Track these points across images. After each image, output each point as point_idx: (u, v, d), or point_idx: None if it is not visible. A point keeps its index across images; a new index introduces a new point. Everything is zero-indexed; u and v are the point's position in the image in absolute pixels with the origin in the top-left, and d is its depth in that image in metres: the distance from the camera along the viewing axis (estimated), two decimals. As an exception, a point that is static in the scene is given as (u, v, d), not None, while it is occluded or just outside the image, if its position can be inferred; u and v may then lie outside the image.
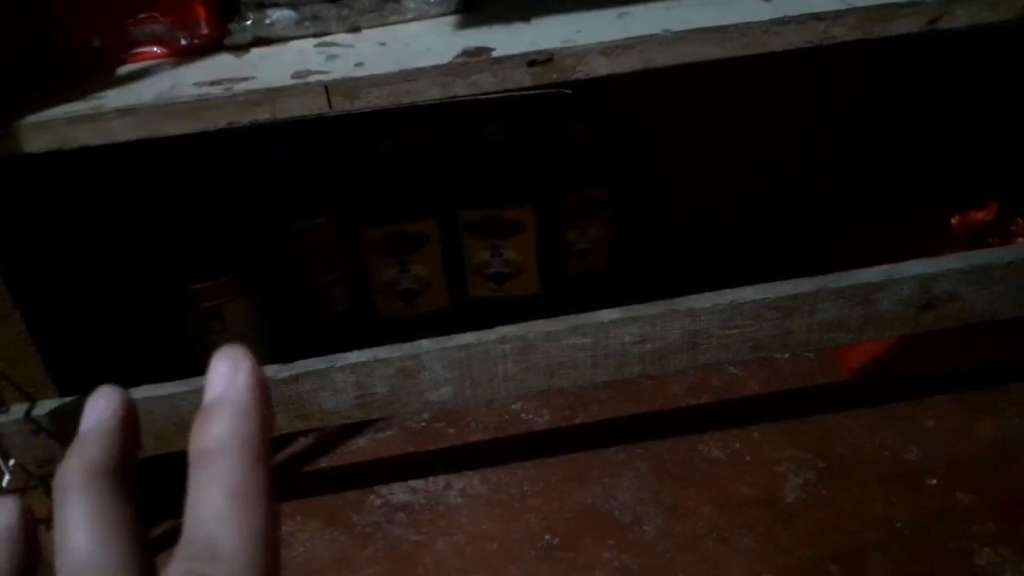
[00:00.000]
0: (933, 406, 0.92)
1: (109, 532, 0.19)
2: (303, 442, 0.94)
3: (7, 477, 0.74)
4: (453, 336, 0.76)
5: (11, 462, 0.74)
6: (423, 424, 0.96)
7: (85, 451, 0.20)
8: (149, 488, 0.20)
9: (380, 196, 0.96)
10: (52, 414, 0.74)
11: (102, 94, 0.65)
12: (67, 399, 0.75)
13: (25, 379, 0.74)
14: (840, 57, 0.78)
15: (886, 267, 0.78)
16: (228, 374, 0.21)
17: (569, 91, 0.65)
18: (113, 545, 0.19)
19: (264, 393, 0.20)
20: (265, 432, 0.20)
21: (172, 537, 0.18)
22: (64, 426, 0.74)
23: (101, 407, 0.21)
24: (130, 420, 0.21)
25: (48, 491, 0.79)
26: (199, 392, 0.21)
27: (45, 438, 0.75)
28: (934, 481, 0.84)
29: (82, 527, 0.19)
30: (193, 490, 0.19)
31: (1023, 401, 0.92)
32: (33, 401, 0.74)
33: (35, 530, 0.21)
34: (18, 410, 0.74)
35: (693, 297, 0.77)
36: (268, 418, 0.20)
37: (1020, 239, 0.90)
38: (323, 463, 0.92)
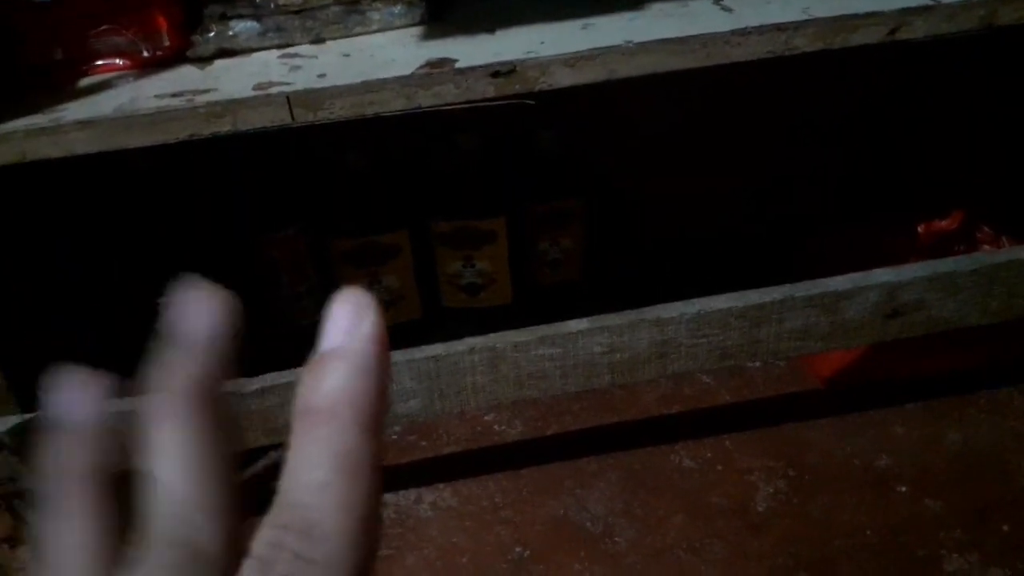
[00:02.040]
0: (902, 414, 0.93)
1: (210, 474, 0.17)
2: (273, 456, 0.93)
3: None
4: (421, 347, 0.76)
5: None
6: (394, 437, 0.95)
7: (202, 364, 0.18)
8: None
9: (350, 207, 0.96)
10: (13, 431, 0.73)
11: (62, 107, 0.65)
12: (28, 415, 0.74)
13: (-15, 395, 0.73)
14: (808, 69, 0.79)
15: (853, 275, 0.79)
16: (351, 321, 0.18)
17: (532, 102, 0.65)
18: (212, 492, 0.17)
19: (387, 351, 0.18)
20: (384, 397, 0.18)
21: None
22: (24, 443, 0.73)
23: (215, 309, 0.18)
24: (236, 327, 0.18)
25: (10, 510, 0.77)
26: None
27: (7, 455, 0.74)
28: (903, 488, 0.85)
29: (182, 463, 0.17)
30: (296, 450, 0.17)
31: (991, 408, 0.93)
32: (-7, 417, 0.73)
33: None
34: (-22, 427, 0.72)
35: (661, 306, 0.77)
36: (388, 381, 0.18)
37: (985, 247, 0.90)
38: (293, 477, 0.91)
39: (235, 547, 0.16)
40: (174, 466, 0.17)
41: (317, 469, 0.17)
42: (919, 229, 0.91)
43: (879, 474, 0.86)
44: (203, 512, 0.17)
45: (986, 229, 0.92)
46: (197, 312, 0.18)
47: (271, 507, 0.17)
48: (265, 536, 0.16)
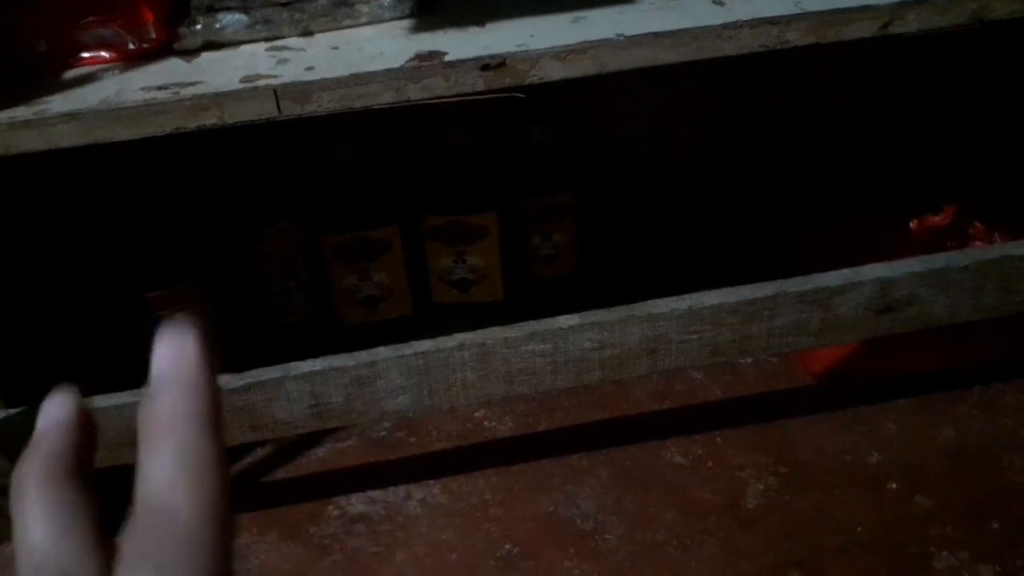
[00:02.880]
0: (894, 410, 0.92)
1: (68, 529, 0.19)
2: (260, 452, 0.93)
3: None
4: (410, 343, 0.75)
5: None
6: (383, 433, 0.95)
7: (42, 450, 0.20)
8: (102, 500, 0.20)
9: (341, 202, 0.95)
10: (-2, 426, 0.72)
11: (46, 99, 0.64)
12: (13, 411, 0.73)
13: (-31, 390, 0.73)
14: (801, 64, 0.79)
15: (845, 271, 0.79)
16: (174, 350, 0.20)
17: (523, 95, 0.65)
18: (73, 542, 0.19)
19: (212, 367, 0.20)
20: (215, 403, 0.20)
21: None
22: (10, 438, 0.72)
23: (57, 407, 0.21)
24: (86, 420, 0.21)
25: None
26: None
27: (-9, 450, 0.73)
28: (894, 485, 0.84)
29: (41, 524, 0.19)
30: (142, 464, 0.19)
31: (983, 405, 0.93)
32: (-22, 413, 0.72)
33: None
34: (-38, 422, 0.72)
35: (652, 302, 0.77)
36: (217, 390, 0.20)
37: (977, 243, 0.90)
38: (281, 473, 0.91)
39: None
40: (38, 529, 0.19)
41: (164, 470, 0.19)
42: (911, 225, 0.91)
43: (870, 471, 0.86)
44: (61, 553, 0.19)
45: (978, 225, 0.91)
46: (50, 408, 0.21)
47: (130, 519, 0.19)
48: (131, 548, 0.18)
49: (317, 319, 1.00)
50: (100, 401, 0.71)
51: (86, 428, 0.21)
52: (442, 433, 0.94)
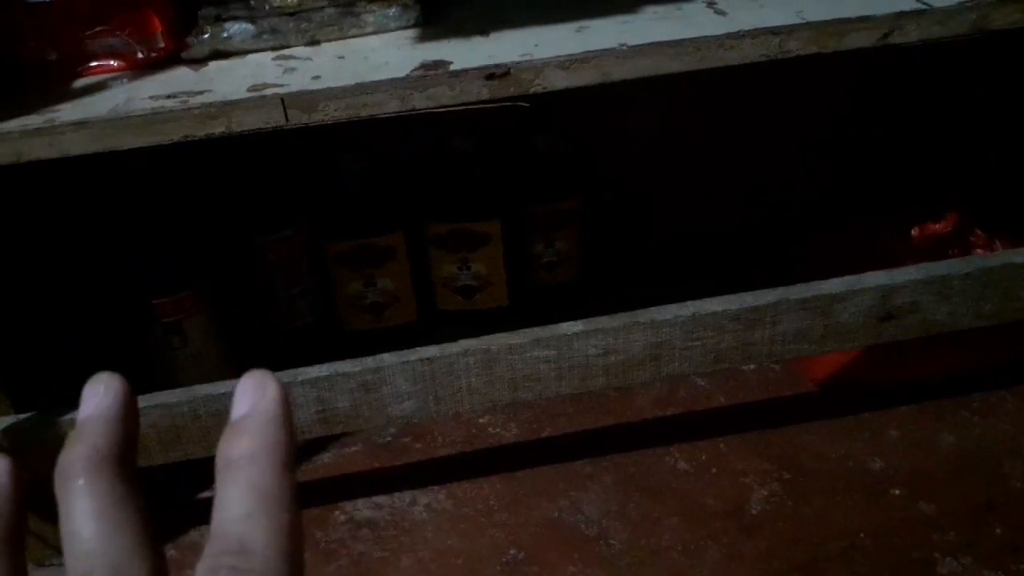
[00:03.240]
0: (896, 417, 0.93)
1: (118, 521, 0.19)
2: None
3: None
4: (416, 349, 0.76)
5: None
6: (389, 439, 0.95)
7: (89, 437, 0.20)
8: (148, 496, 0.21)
9: (346, 210, 0.96)
10: (7, 431, 0.73)
11: (56, 107, 0.65)
12: (22, 416, 0.74)
13: (-22, 396, 0.73)
14: (803, 72, 0.79)
15: (847, 278, 0.79)
16: (256, 392, 0.21)
17: (527, 104, 0.65)
18: (123, 535, 0.19)
19: (290, 410, 0.21)
20: (292, 443, 0.20)
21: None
22: (19, 444, 0.73)
23: (101, 393, 0.21)
24: (131, 406, 0.21)
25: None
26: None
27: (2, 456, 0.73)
28: (897, 491, 0.85)
29: (90, 516, 0.19)
30: (222, 494, 0.19)
31: (985, 411, 0.93)
32: (-13, 419, 0.73)
33: (25, 490, 0.21)
34: (-29, 428, 0.72)
35: (655, 309, 0.77)
36: (294, 432, 0.21)
37: (979, 251, 0.91)
38: (287, 479, 0.91)
39: None
40: (88, 521, 0.19)
41: (242, 504, 0.19)
42: (913, 232, 0.92)
43: (873, 477, 0.87)
44: (110, 555, 0.19)
45: (979, 233, 0.92)
46: (93, 393, 0.21)
47: (207, 545, 0.19)
48: (204, 566, 0.18)
49: (322, 325, 1.01)
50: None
51: (131, 413, 0.21)
52: (447, 439, 0.94)
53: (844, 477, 0.87)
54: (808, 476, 0.87)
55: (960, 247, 0.91)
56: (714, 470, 0.89)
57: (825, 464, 0.88)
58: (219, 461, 0.20)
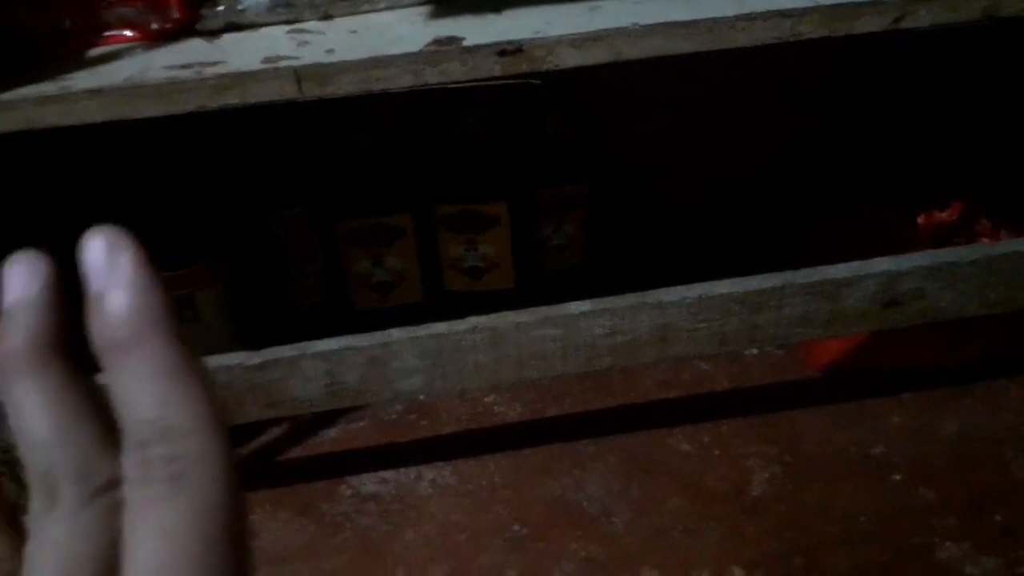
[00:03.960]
0: (898, 403, 0.93)
1: (74, 414, 0.17)
2: (275, 431, 0.94)
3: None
4: (425, 325, 0.76)
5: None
6: (395, 416, 0.96)
7: (21, 327, 0.18)
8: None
9: (356, 188, 0.97)
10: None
11: (71, 75, 0.65)
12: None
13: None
14: (812, 57, 0.79)
15: (853, 264, 0.79)
16: (108, 260, 0.18)
17: (538, 81, 0.66)
18: (84, 436, 0.17)
19: (150, 268, 0.18)
20: (171, 309, 0.18)
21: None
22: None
23: (24, 277, 0.19)
24: (58, 288, 0.19)
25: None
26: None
27: None
28: (898, 476, 0.85)
29: (42, 410, 0.17)
30: (119, 384, 0.17)
31: (986, 399, 0.93)
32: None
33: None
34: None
35: (663, 290, 0.78)
36: (168, 295, 0.18)
37: (984, 239, 0.91)
38: (294, 453, 0.92)
39: (112, 474, 0.17)
40: (41, 416, 0.17)
41: (148, 390, 0.17)
42: (919, 220, 0.92)
43: (874, 462, 0.87)
44: (72, 449, 0.17)
45: (984, 222, 0.92)
46: (16, 277, 0.19)
47: (122, 441, 0.17)
48: (129, 460, 0.17)
49: (331, 303, 1.01)
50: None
51: (59, 295, 0.19)
52: (453, 417, 0.95)
53: (845, 462, 0.87)
54: (809, 460, 0.88)
55: (965, 236, 0.92)
56: (716, 452, 0.89)
57: (827, 448, 0.89)
58: (97, 344, 0.18)
